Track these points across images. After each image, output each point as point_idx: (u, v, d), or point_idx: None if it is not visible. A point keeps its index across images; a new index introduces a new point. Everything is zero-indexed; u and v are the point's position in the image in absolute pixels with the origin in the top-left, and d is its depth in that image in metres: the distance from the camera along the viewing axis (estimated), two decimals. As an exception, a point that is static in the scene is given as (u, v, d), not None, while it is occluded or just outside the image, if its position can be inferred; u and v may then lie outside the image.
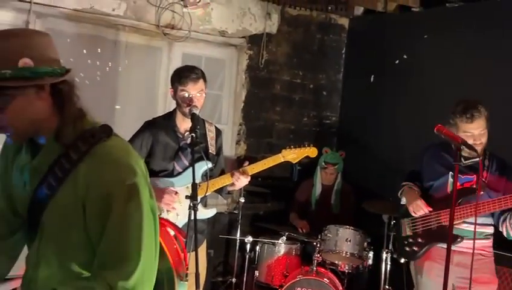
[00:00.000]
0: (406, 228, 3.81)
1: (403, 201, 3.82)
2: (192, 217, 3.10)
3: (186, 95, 3.51)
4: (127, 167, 1.68)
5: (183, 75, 3.52)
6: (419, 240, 3.71)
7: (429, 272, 3.63)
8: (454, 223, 3.13)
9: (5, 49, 1.61)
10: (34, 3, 4.69)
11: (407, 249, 3.77)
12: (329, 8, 6.16)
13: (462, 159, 3.48)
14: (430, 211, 3.64)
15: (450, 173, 3.56)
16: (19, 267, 1.93)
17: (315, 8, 6.15)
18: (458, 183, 3.34)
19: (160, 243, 1.97)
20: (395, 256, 4.12)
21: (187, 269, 2.18)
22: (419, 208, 3.65)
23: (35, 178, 1.73)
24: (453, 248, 3.19)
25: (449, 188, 3.59)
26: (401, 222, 3.87)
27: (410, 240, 3.75)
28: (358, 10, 6.38)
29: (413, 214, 3.71)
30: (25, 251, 1.90)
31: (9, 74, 1.59)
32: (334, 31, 6.44)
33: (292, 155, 3.84)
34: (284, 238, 4.99)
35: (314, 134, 6.38)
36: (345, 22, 6.49)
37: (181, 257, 2.17)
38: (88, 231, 1.68)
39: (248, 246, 5.07)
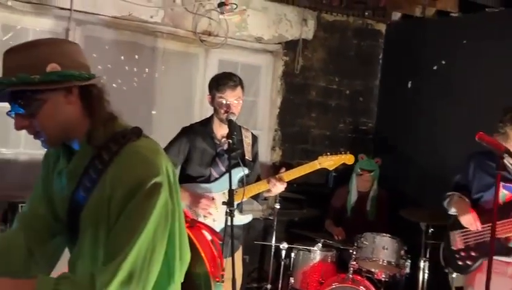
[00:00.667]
0: (457, 241, 3.70)
1: (452, 211, 3.71)
2: (229, 223, 3.12)
3: (224, 102, 3.53)
4: (150, 166, 1.69)
5: (221, 82, 3.54)
6: (472, 254, 3.60)
7: (481, 285, 3.52)
8: (507, 235, 3.05)
9: (34, 57, 1.66)
10: (74, 10, 4.78)
11: (460, 263, 3.66)
12: (366, 13, 6.12)
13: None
14: (482, 227, 3.52)
15: (502, 183, 3.44)
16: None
17: (352, 13, 6.12)
18: (509, 193, 3.25)
19: (197, 247, 1.98)
20: (446, 270, 3.92)
21: (223, 270, 2.18)
22: (471, 223, 3.54)
23: (72, 182, 1.77)
24: (507, 259, 3.11)
25: (501, 199, 3.46)
26: (450, 233, 3.76)
27: (463, 254, 3.64)
28: (396, 15, 6.32)
29: (467, 227, 3.61)
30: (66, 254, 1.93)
31: (38, 78, 1.63)
32: (371, 36, 6.40)
33: (329, 162, 3.82)
34: (320, 245, 4.96)
35: (350, 140, 6.33)
36: (382, 27, 6.43)
37: (217, 261, 2.18)
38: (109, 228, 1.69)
39: (283, 253, 5.05)
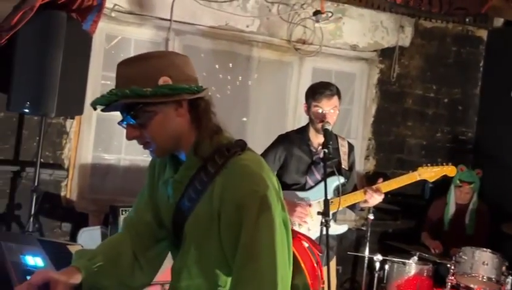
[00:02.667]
0: None
1: None
2: (324, 233, 3.09)
3: (320, 111, 3.51)
4: (260, 179, 1.70)
5: (317, 91, 3.53)
6: None
7: None
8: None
9: (146, 69, 1.71)
10: (174, 21, 4.93)
11: None
12: (467, 20, 5.92)
13: None
14: None
15: None
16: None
17: (451, 20, 5.94)
18: None
19: (297, 257, 1.96)
20: None
21: (323, 283, 2.16)
22: None
23: (177, 191, 1.81)
24: None
25: None
26: None
27: None
28: (498, 22, 6.07)
29: None
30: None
31: (150, 91, 1.68)
32: (471, 43, 6.17)
33: (429, 174, 3.72)
34: (415, 258, 4.83)
35: (448, 150, 6.13)
36: (483, 34, 6.19)
37: (317, 271, 2.15)
38: (222, 242, 1.71)
39: (377, 265, 4.95)
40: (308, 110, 3.61)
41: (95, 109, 1.76)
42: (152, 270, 1.97)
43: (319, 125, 3.51)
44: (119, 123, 1.77)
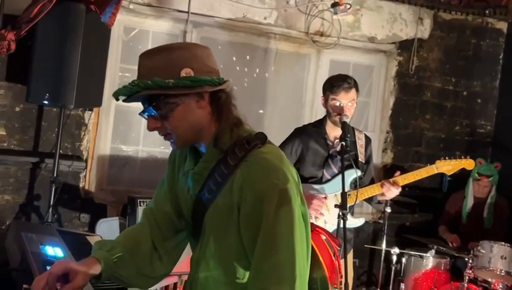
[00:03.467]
0: None
1: None
2: (342, 226, 3.09)
3: (338, 104, 3.49)
4: (280, 172, 1.70)
5: (335, 84, 3.50)
6: None
7: None
8: None
9: (169, 61, 1.71)
10: (192, 13, 4.94)
11: None
12: (487, 12, 5.85)
13: None
14: None
15: None
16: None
17: (471, 12, 5.87)
18: None
19: (315, 251, 1.96)
20: None
21: (341, 276, 2.15)
22: None
23: (197, 183, 1.81)
24: None
25: None
26: None
27: None
28: (518, 14, 6.00)
29: None
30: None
31: (172, 82, 1.68)
32: (491, 35, 6.10)
33: (447, 167, 3.69)
34: (433, 251, 4.82)
35: (466, 144, 6.08)
36: (503, 26, 6.12)
37: (335, 265, 2.14)
38: (241, 235, 1.72)
39: (394, 258, 4.94)
40: (325, 103, 3.59)
41: (117, 99, 1.76)
42: (171, 261, 1.98)
43: (337, 118, 3.49)
44: (140, 114, 1.78)
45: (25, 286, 1.66)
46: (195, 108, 1.74)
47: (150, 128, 1.77)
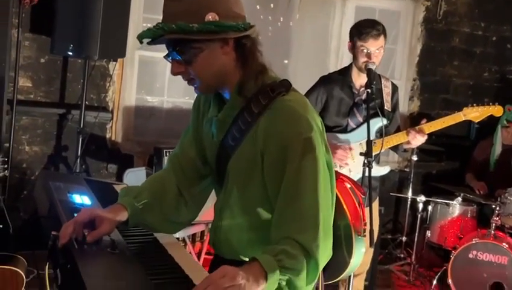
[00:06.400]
0: None
1: None
2: (367, 174, 3.07)
3: (365, 51, 3.42)
4: (304, 121, 1.68)
5: (364, 30, 3.41)
6: None
7: None
8: None
9: (194, 5, 1.67)
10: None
11: None
12: (520, -48, 5.65)
13: None
14: None
15: None
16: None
17: (503, -47, 5.68)
18: None
19: (339, 198, 1.97)
20: None
21: (365, 224, 2.16)
22: None
23: (221, 130, 1.80)
24: None
25: None
26: None
27: None
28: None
29: None
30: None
31: (196, 27, 1.65)
32: (523, -23, 5.91)
33: (474, 114, 3.62)
34: (460, 199, 4.79)
35: (495, 90, 5.97)
36: (536, -33, 5.92)
37: (359, 212, 2.15)
38: (265, 183, 1.72)
39: (420, 206, 4.94)
40: (352, 49, 3.52)
41: (141, 42, 1.75)
42: (196, 206, 1.99)
43: (363, 65, 3.43)
44: (164, 57, 1.76)
45: (53, 232, 1.69)
46: (220, 54, 1.71)
47: (174, 72, 1.75)
